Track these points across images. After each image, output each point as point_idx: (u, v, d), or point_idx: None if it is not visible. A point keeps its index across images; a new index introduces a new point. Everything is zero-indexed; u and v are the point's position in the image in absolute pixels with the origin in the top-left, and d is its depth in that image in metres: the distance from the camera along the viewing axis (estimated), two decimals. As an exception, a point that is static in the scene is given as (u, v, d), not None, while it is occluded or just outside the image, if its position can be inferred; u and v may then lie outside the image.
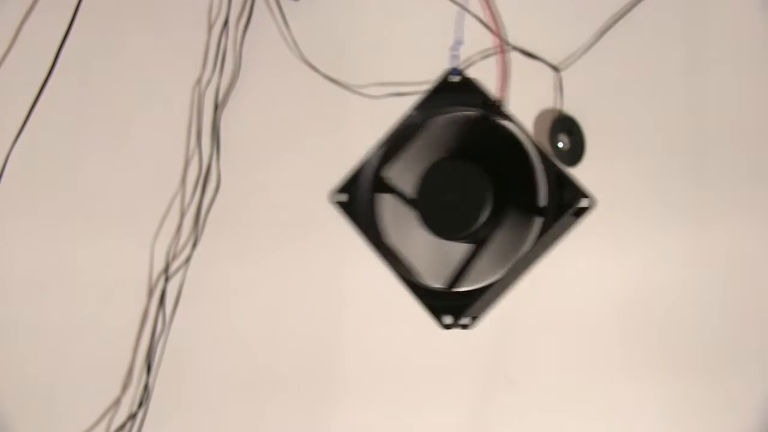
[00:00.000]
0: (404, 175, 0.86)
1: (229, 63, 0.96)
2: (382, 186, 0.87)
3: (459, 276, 0.84)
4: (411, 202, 0.84)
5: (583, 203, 0.84)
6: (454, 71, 0.87)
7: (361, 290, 0.93)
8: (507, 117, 0.85)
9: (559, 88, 0.89)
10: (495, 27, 0.87)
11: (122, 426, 0.94)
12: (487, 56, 0.90)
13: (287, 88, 0.95)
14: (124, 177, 0.97)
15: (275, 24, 0.95)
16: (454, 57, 0.87)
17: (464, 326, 0.86)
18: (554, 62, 0.89)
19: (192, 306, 0.94)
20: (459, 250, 0.84)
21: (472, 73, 0.89)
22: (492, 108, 0.86)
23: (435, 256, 0.85)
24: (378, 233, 0.87)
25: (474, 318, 0.86)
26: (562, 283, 0.90)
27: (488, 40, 0.90)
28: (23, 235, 0.97)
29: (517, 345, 0.90)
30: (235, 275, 0.94)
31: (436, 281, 0.86)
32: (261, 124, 0.95)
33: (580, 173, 0.87)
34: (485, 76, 0.90)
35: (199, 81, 0.96)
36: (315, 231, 0.94)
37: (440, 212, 0.82)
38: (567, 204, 0.84)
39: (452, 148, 0.85)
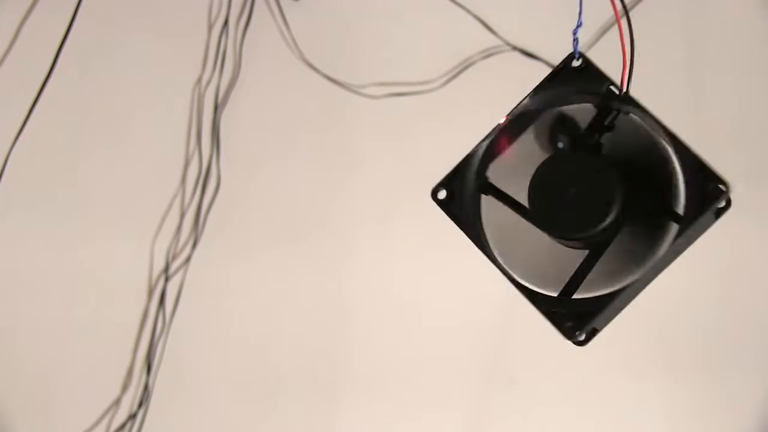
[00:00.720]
0: (515, 173, 0.77)
1: (229, 63, 0.96)
2: (484, 180, 0.79)
3: (576, 281, 0.75)
4: (520, 204, 0.75)
5: (722, 203, 0.73)
6: (576, 55, 0.78)
7: (361, 290, 0.93)
8: (636, 105, 0.76)
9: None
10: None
11: (122, 426, 0.94)
12: (487, 56, 0.90)
13: (287, 88, 0.95)
14: (124, 177, 0.97)
15: (275, 24, 0.95)
16: (575, 40, 0.77)
17: (581, 342, 0.75)
18: (554, 62, 0.89)
19: (192, 306, 0.94)
20: (568, 257, 0.75)
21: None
22: (617, 97, 0.76)
23: (544, 263, 0.77)
24: (484, 234, 0.78)
25: (592, 332, 0.76)
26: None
27: (484, 38, 0.90)
28: (23, 235, 0.97)
29: (517, 345, 0.90)
30: (235, 275, 0.94)
31: (550, 288, 0.76)
32: (261, 123, 0.95)
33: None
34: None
35: (199, 81, 0.96)
36: (315, 231, 0.94)
37: (559, 208, 0.72)
38: (709, 202, 0.73)
39: (570, 141, 0.77)
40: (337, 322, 0.93)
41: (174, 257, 0.95)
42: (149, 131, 0.97)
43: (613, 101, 0.76)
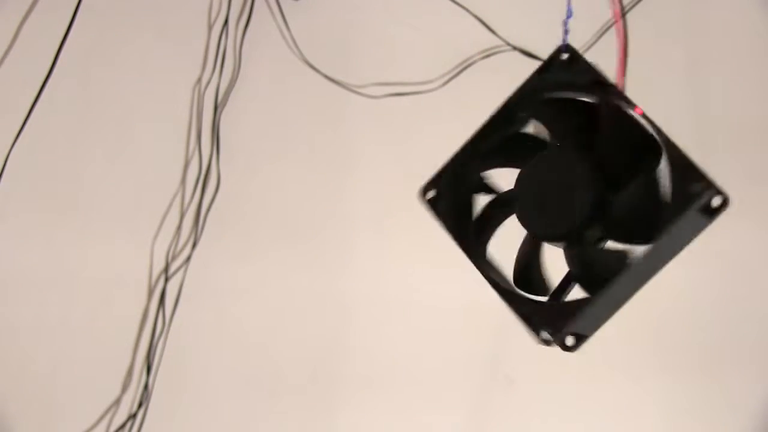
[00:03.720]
0: (504, 171, 0.74)
1: (229, 63, 0.96)
2: (478, 185, 0.75)
3: (565, 285, 0.71)
4: (509, 201, 0.72)
5: (715, 201, 0.68)
6: (565, 48, 0.73)
7: (361, 290, 0.93)
8: (625, 101, 0.71)
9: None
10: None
11: (122, 426, 0.94)
12: (487, 56, 0.90)
13: (287, 88, 0.95)
14: (123, 177, 0.97)
15: (275, 24, 0.95)
16: (565, 31, 0.75)
17: (569, 348, 0.72)
18: (554, 62, 0.89)
19: (192, 306, 0.94)
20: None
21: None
22: (606, 91, 0.72)
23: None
24: (467, 234, 0.75)
25: (580, 337, 0.72)
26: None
27: (485, 38, 0.90)
28: (23, 235, 0.97)
29: (517, 345, 0.90)
30: (235, 275, 0.94)
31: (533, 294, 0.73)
32: (261, 124, 0.95)
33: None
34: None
35: (199, 81, 0.96)
36: (314, 231, 0.94)
37: (538, 209, 0.70)
38: (693, 200, 0.68)
39: (559, 137, 0.72)
40: (337, 322, 0.93)
41: (174, 257, 0.95)
42: (149, 131, 0.97)
43: (604, 95, 0.73)
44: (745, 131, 0.88)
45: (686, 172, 0.69)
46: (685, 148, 0.72)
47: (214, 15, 0.96)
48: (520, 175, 0.71)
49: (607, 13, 0.90)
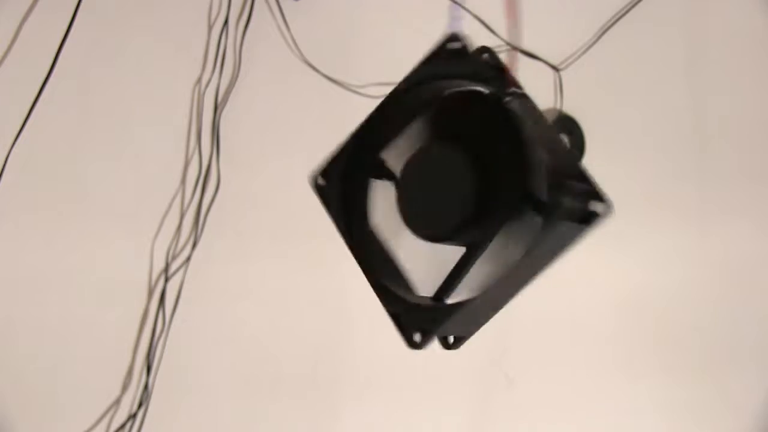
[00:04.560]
0: (400, 159, 0.70)
1: (229, 63, 0.96)
2: (363, 166, 0.72)
3: (448, 285, 0.68)
4: (395, 188, 0.69)
5: (596, 207, 0.66)
6: (454, 37, 0.69)
7: (361, 290, 0.93)
8: (513, 93, 0.68)
9: (559, 87, 0.89)
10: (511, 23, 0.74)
11: (122, 426, 0.94)
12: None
13: (287, 88, 0.95)
14: (124, 177, 0.97)
15: (275, 24, 0.95)
16: (454, 19, 0.75)
17: (449, 346, 0.70)
18: (554, 62, 0.89)
19: (192, 306, 0.94)
20: (457, 255, 0.68)
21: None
22: (495, 82, 0.68)
23: (430, 260, 0.70)
24: (358, 225, 0.73)
25: (458, 338, 0.70)
26: (561, 284, 0.90)
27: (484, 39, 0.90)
28: (23, 235, 0.97)
29: (517, 345, 0.90)
30: (235, 275, 0.94)
31: (425, 289, 0.70)
32: (261, 124, 0.95)
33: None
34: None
35: (199, 81, 0.96)
36: (314, 231, 0.94)
37: (421, 208, 0.67)
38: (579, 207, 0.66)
39: (445, 128, 0.69)
40: (337, 322, 0.93)
41: (174, 257, 0.95)
42: (149, 131, 0.97)
43: (490, 88, 0.67)
44: (745, 131, 0.88)
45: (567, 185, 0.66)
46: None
47: (214, 15, 0.96)
48: (403, 169, 0.68)
49: (606, 13, 0.90)
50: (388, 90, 0.92)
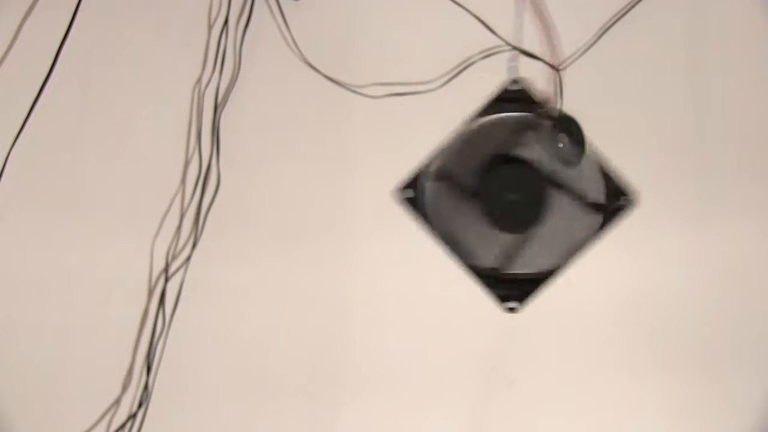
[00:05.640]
0: (463, 169, 0.91)
1: (229, 63, 0.96)
2: (442, 176, 0.91)
3: (509, 261, 0.90)
4: (472, 196, 0.90)
5: (622, 201, 0.89)
6: (514, 81, 0.91)
7: (362, 290, 0.93)
8: (563, 127, 0.89)
9: (559, 88, 0.89)
10: (549, 41, 0.91)
11: (122, 426, 0.94)
12: (487, 56, 0.90)
13: (287, 88, 0.95)
14: (123, 177, 0.97)
15: (275, 24, 0.95)
16: (512, 68, 0.90)
17: (512, 309, 0.91)
18: (554, 62, 0.89)
19: (192, 306, 0.94)
20: (505, 237, 0.90)
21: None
22: (549, 117, 0.89)
23: (485, 242, 0.90)
24: (441, 226, 0.91)
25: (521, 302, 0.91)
26: (561, 283, 0.90)
27: (484, 38, 0.90)
28: (23, 235, 0.97)
29: (517, 345, 0.90)
30: (235, 275, 0.94)
31: (490, 262, 0.91)
32: (261, 123, 0.95)
33: (580, 173, 0.86)
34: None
35: (199, 81, 0.96)
36: (314, 230, 0.94)
37: (503, 211, 0.88)
38: (612, 202, 0.89)
39: (508, 149, 0.90)
40: (337, 323, 0.93)
41: (174, 257, 0.95)
42: (149, 131, 0.97)
43: (545, 120, 0.87)
44: (745, 131, 0.88)
45: (606, 179, 0.89)
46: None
47: (214, 15, 0.96)
48: (481, 181, 0.89)
49: (606, 13, 0.90)
50: (388, 90, 0.92)
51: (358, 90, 0.93)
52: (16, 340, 0.96)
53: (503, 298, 0.90)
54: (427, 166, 0.92)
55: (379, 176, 0.93)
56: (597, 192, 0.89)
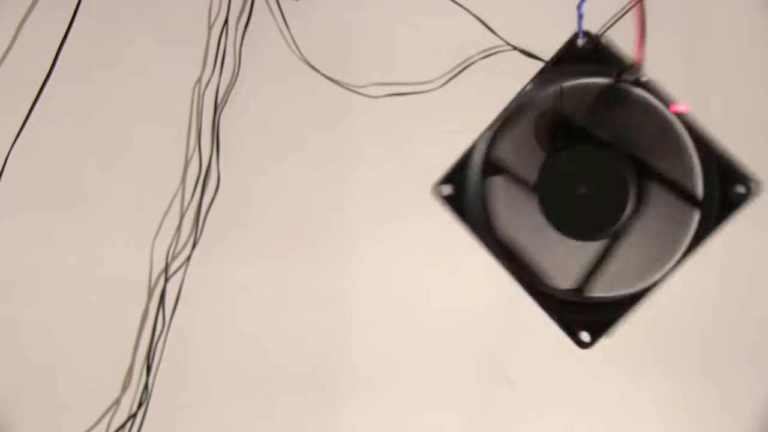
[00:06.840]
0: (520, 157, 0.71)
1: (229, 63, 0.96)
2: (493, 169, 0.72)
3: (590, 276, 0.69)
4: (532, 189, 0.69)
5: (740, 189, 0.70)
6: (581, 34, 0.71)
7: (361, 290, 0.93)
8: (650, 88, 0.69)
9: (559, 87, 0.89)
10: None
11: (122, 426, 0.94)
12: (487, 56, 0.90)
13: (287, 88, 0.95)
14: (123, 177, 0.97)
15: (275, 24, 0.95)
16: (580, 16, 0.71)
17: (583, 344, 0.71)
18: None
19: (192, 306, 0.94)
20: (591, 243, 0.70)
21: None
22: (630, 78, 0.69)
23: (561, 251, 0.70)
24: (490, 229, 0.74)
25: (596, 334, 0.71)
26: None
27: (484, 38, 0.90)
28: (23, 235, 0.97)
29: (517, 345, 0.90)
30: (235, 275, 0.94)
31: (562, 282, 0.70)
32: (261, 123, 0.95)
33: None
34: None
35: (199, 81, 0.96)
36: (315, 231, 0.94)
37: (571, 209, 0.66)
38: (731, 193, 0.69)
39: (577, 127, 0.69)
40: (337, 323, 0.93)
41: (174, 257, 0.95)
42: (149, 131, 0.97)
43: (626, 83, 0.69)
44: (745, 131, 0.88)
45: (722, 165, 0.68)
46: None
47: (214, 15, 0.96)
48: (544, 169, 0.67)
49: (606, 14, 0.90)
50: (388, 90, 0.92)
51: (358, 90, 0.93)
52: (16, 340, 0.97)
53: (570, 329, 0.71)
54: (470, 154, 0.74)
55: (379, 175, 0.93)
56: (692, 181, 0.67)
